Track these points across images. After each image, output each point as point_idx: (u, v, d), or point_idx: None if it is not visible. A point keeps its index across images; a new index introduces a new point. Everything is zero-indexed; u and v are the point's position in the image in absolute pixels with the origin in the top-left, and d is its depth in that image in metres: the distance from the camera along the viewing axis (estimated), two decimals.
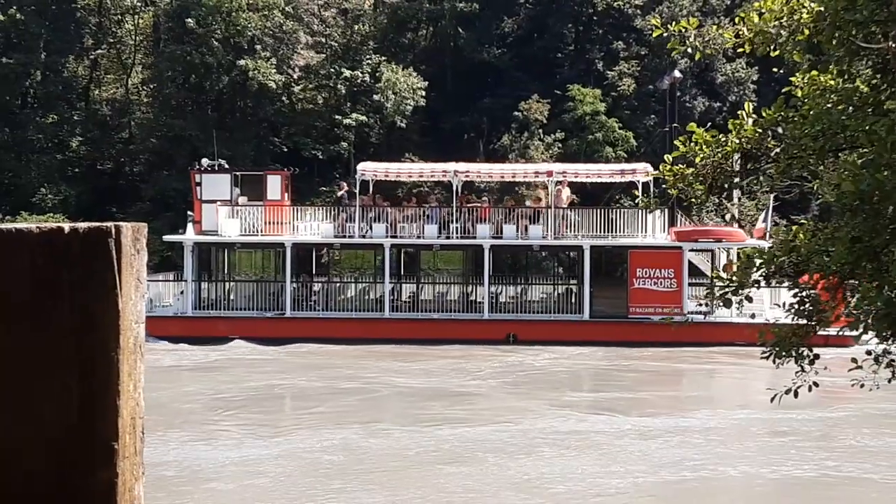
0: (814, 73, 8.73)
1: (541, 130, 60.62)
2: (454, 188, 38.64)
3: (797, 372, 8.37)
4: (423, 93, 60.73)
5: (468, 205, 39.03)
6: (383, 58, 62.53)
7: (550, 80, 62.10)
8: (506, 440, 20.63)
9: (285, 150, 59.80)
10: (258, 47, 61.15)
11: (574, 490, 16.89)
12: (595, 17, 67.73)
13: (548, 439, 20.66)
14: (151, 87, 66.19)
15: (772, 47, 8.44)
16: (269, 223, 37.99)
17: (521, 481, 17.53)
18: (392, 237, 37.37)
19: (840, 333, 8.50)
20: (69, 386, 1.87)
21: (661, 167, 8.70)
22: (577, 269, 37.26)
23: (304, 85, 64.38)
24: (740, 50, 9.04)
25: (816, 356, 8.46)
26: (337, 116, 60.91)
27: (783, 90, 9.20)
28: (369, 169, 40.15)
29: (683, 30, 8.82)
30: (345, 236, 37.96)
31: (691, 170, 8.53)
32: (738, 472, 18.35)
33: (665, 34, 8.94)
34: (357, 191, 38.58)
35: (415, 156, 58.19)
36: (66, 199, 57.99)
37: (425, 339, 34.52)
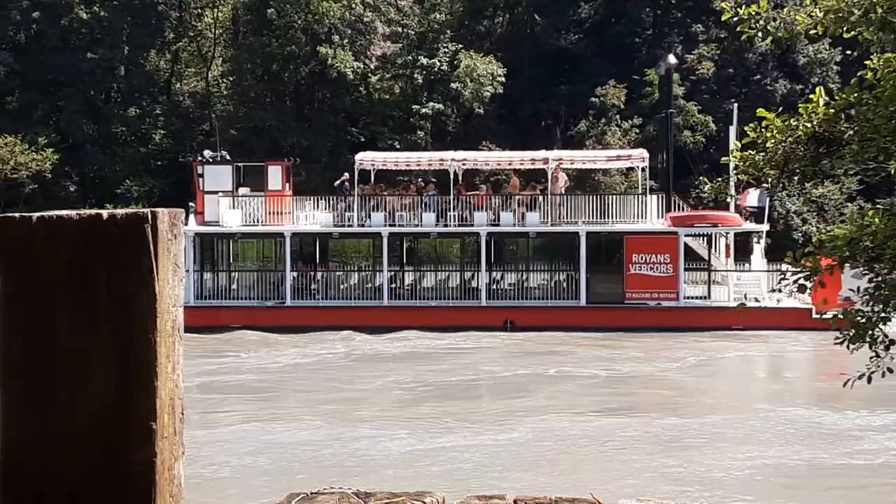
0: (889, 54, 8.53)
1: (618, 116, 60.14)
2: (451, 176, 38.69)
3: (871, 357, 8.22)
4: (502, 79, 60.60)
5: (468, 192, 38.94)
6: (460, 46, 62.52)
7: (628, 65, 61.53)
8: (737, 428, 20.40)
9: (362, 140, 60.17)
10: (336, 37, 61.57)
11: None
12: (673, 1, 66.93)
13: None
14: (231, 79, 67.06)
15: (844, 27, 8.27)
16: (270, 213, 38.39)
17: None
18: (390, 225, 37.57)
19: None
20: (108, 368, 1.93)
21: (730, 153, 8.58)
22: (575, 255, 36.99)
23: (381, 75, 64.68)
24: (813, 32, 8.87)
25: (892, 341, 8.29)
26: (414, 106, 61.09)
27: (858, 73, 9.02)
28: (367, 158, 40.41)
29: (754, 13, 8.68)
30: (344, 225, 38.21)
31: (761, 155, 8.40)
32: None
33: (735, 18, 8.81)
34: (356, 180, 38.73)
35: (492, 143, 58.12)
36: (150, 190, 59.14)
37: (423, 325, 34.77)
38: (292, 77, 62.40)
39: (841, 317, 8.42)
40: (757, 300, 34.19)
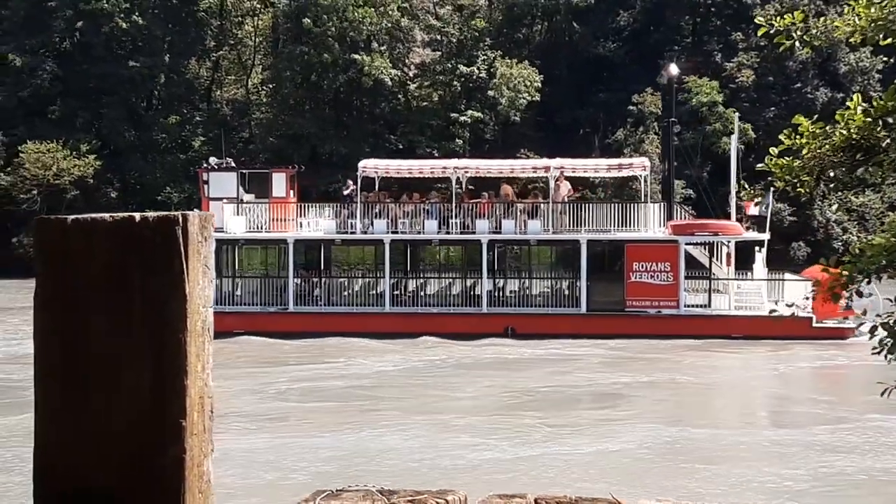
0: None
1: (655, 124, 59.95)
2: (454, 184, 38.69)
3: None
4: (539, 86, 60.57)
5: (471, 200, 38.90)
6: (498, 53, 62.60)
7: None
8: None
9: (400, 147, 60.37)
10: (374, 44, 61.87)
11: None
12: (713, 9, 66.65)
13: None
14: (270, 87, 67.54)
15: (882, 35, 8.21)
16: (275, 220, 38.55)
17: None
18: (393, 232, 37.66)
19: None
20: (142, 370, 1.98)
21: (766, 160, 8.54)
22: (575, 263, 36.94)
23: (419, 83, 64.88)
24: (852, 40, 8.82)
25: None
26: (452, 114, 61.20)
27: None
28: (370, 166, 40.53)
29: (790, 24, 8.64)
30: (346, 232, 38.33)
31: (798, 162, 8.35)
32: None
33: (771, 30, 8.77)
34: (359, 188, 38.85)
35: (529, 151, 58.13)
36: (190, 196, 59.65)
37: (425, 332, 34.76)
38: (331, 85, 62.74)
39: (880, 327, 8.35)
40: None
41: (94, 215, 2.00)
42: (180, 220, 1.98)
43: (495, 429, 21.27)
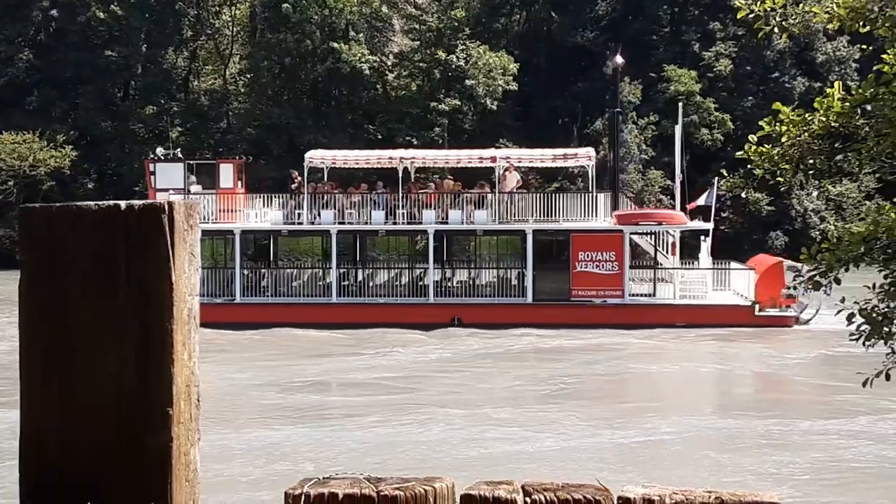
0: None
1: (634, 113, 60.09)
2: (400, 174, 38.72)
3: (888, 354, 8.21)
4: (515, 73, 60.57)
5: (420, 191, 38.92)
6: (477, 43, 62.57)
7: (645, 63, 61.46)
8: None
9: (379, 137, 60.30)
10: (352, 33, 61.71)
11: None
12: None
13: None
14: (248, 76, 67.28)
15: (860, 23, 8.26)
16: (222, 211, 38.47)
17: None
18: (340, 223, 37.68)
19: None
20: (126, 355, 1.97)
21: (745, 147, 8.58)
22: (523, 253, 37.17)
23: (397, 72, 64.77)
24: (830, 27, 8.86)
25: None
26: (431, 103, 61.15)
27: (874, 67, 9.00)
28: (317, 157, 40.53)
29: (769, 10, 8.68)
30: (294, 223, 38.31)
31: (776, 150, 8.40)
32: None
33: (750, 16, 8.80)
34: (305, 178, 38.82)
35: (508, 141, 58.16)
36: None
37: (372, 323, 34.88)
38: (309, 74, 62.57)
39: (857, 312, 8.40)
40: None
41: (79, 203, 1.99)
42: (166, 207, 1.98)
43: (529, 420, 21.29)
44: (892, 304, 8.52)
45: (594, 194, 38.26)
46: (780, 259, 37.45)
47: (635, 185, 58.78)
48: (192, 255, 2.03)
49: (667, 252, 37.97)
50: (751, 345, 31.87)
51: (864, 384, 8.42)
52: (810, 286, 8.89)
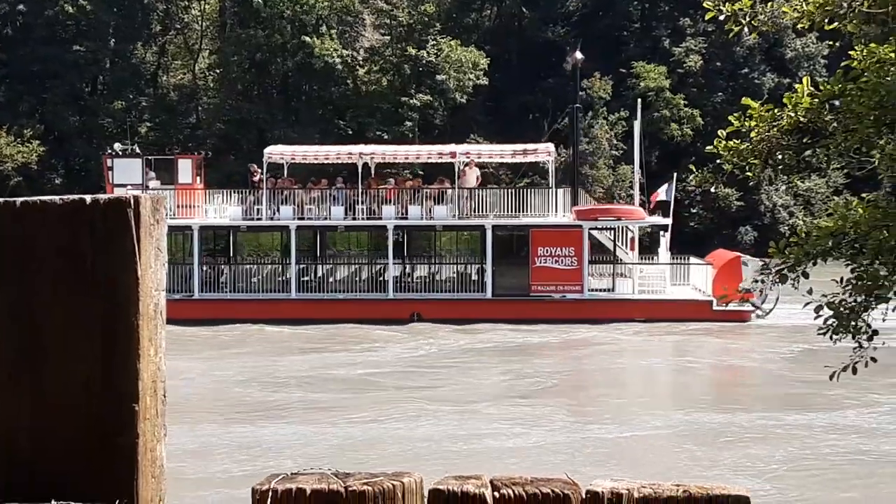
0: (872, 45, 8.58)
1: (605, 109, 60.26)
2: (360, 170, 38.65)
3: (855, 348, 8.28)
4: (486, 68, 60.58)
5: (380, 186, 38.90)
6: (448, 38, 62.54)
7: (616, 59, 61.65)
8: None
9: (350, 132, 60.15)
10: (323, 28, 61.51)
11: None
12: None
13: None
14: (218, 71, 66.94)
15: (828, 20, 8.32)
16: (180, 207, 38.32)
17: None
18: (299, 219, 37.64)
19: None
20: (92, 350, 1.95)
21: (715, 142, 8.63)
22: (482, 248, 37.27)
23: (368, 67, 64.65)
24: (800, 25, 8.91)
25: (875, 332, 8.34)
26: (402, 98, 61.06)
27: (842, 63, 9.06)
28: (276, 152, 40.44)
29: (738, 9, 8.72)
30: (253, 218, 38.23)
31: (745, 145, 8.45)
32: None
33: (721, 16, 8.84)
34: (264, 174, 38.74)
35: (479, 136, 58.18)
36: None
37: (331, 319, 34.81)
38: (279, 69, 62.34)
39: (825, 307, 8.46)
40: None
41: (43, 197, 1.97)
42: (132, 201, 1.96)
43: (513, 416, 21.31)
44: (859, 299, 8.59)
45: (554, 190, 38.40)
46: (738, 254, 37.77)
47: (605, 181, 58.98)
48: (158, 250, 2.02)
49: (626, 248, 38.17)
50: (714, 339, 32.20)
51: (832, 377, 8.49)
52: (777, 280, 8.94)
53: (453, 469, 2.61)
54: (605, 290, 36.82)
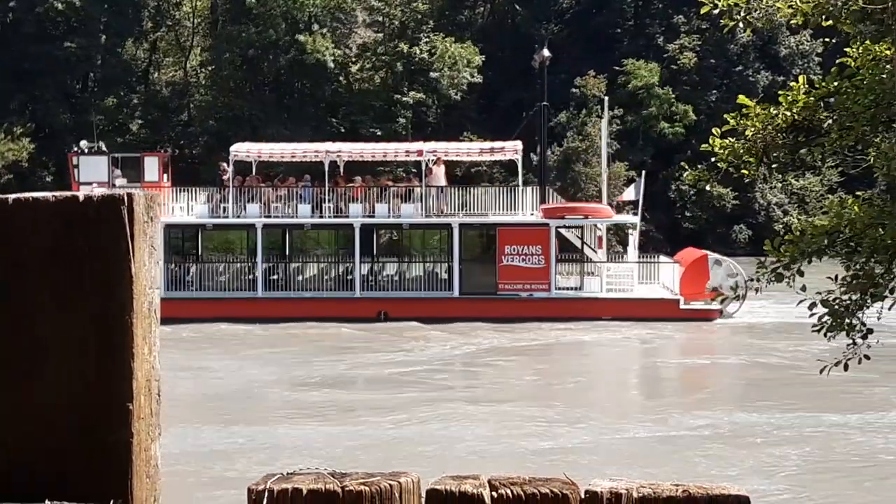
0: (868, 42, 8.57)
1: (598, 107, 60.24)
2: (327, 168, 38.49)
3: (848, 345, 8.28)
4: (479, 65, 60.52)
5: (347, 185, 38.75)
6: (441, 35, 62.49)
7: (609, 56, 61.64)
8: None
9: (342, 130, 60.08)
10: (316, 26, 61.42)
11: None
12: None
13: None
14: (210, 68, 66.80)
15: (823, 17, 8.31)
16: None
17: None
18: (266, 217, 37.53)
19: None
20: (86, 349, 1.93)
21: (710, 140, 8.62)
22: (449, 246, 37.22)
23: (361, 64, 64.58)
24: (793, 22, 8.90)
25: (870, 330, 8.34)
26: (395, 95, 60.99)
27: (837, 61, 9.06)
28: (243, 150, 40.31)
29: (733, 5, 8.70)
30: (219, 217, 38.09)
31: (741, 143, 8.44)
32: None
33: (715, 11, 8.83)
34: (231, 172, 38.61)
35: (472, 134, 58.14)
36: None
37: (298, 317, 34.67)
38: (272, 66, 62.23)
39: (819, 304, 8.46)
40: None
41: (35, 194, 1.94)
42: (126, 199, 1.93)
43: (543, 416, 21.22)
44: (854, 297, 8.58)
45: (522, 188, 38.37)
46: (706, 252, 37.79)
47: (599, 179, 58.95)
48: (152, 248, 1.99)
49: (594, 246, 38.15)
50: (679, 333, 32.49)
51: (822, 371, 8.49)
52: (772, 278, 8.92)
53: (450, 469, 2.58)
54: (572, 289, 36.75)
